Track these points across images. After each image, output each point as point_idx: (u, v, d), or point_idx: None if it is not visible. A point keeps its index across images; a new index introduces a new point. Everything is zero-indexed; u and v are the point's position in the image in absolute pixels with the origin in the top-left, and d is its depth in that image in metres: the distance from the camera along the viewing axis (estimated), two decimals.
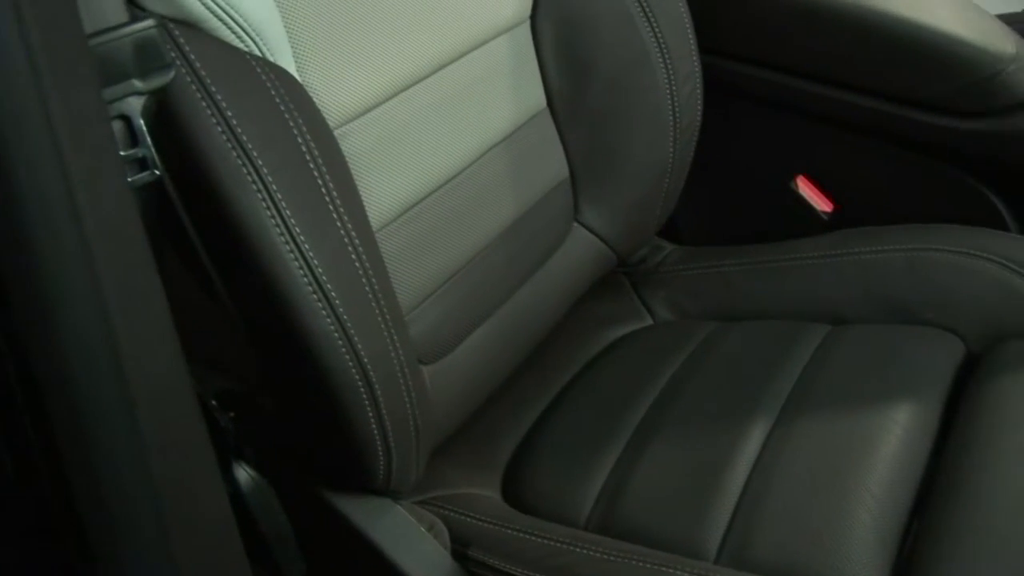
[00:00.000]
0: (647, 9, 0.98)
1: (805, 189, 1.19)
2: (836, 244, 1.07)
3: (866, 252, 1.04)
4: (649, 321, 1.12)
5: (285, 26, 0.71)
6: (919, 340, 0.96)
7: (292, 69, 0.71)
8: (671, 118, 1.01)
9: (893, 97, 1.10)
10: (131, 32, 0.59)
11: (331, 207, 0.66)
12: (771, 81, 1.15)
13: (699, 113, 1.06)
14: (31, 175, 0.50)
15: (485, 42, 0.89)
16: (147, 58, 0.60)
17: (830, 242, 1.08)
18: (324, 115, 0.71)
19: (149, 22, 0.60)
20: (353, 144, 0.76)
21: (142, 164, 0.60)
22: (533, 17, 0.97)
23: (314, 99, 0.71)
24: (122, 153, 0.59)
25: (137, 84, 0.59)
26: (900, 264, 1.02)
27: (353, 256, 0.67)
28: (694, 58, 1.03)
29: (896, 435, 0.84)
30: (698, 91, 1.05)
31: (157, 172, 0.59)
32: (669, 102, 1.01)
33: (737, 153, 1.22)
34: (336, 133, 0.73)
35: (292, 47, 0.72)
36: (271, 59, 0.69)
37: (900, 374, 0.91)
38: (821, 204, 1.19)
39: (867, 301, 1.03)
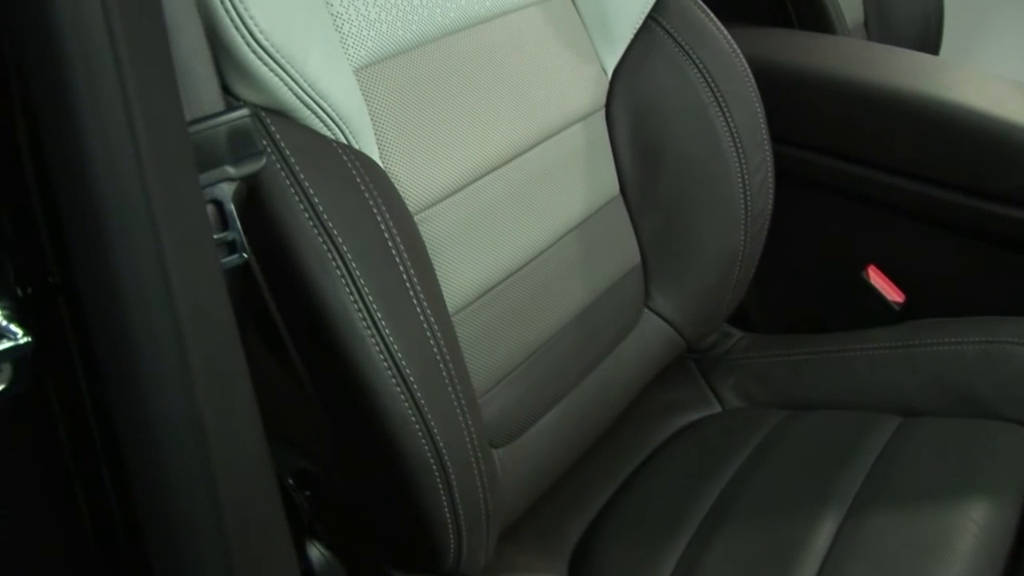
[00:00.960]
0: (720, 99, 0.99)
1: (876, 279, 1.18)
2: (908, 335, 1.06)
3: (939, 344, 1.03)
4: (718, 408, 1.11)
5: (371, 115, 0.73)
6: (995, 434, 0.94)
7: (375, 156, 0.73)
8: (742, 207, 1.02)
9: (963, 188, 1.09)
10: (226, 121, 0.61)
11: (411, 292, 0.67)
12: (842, 171, 1.15)
13: (770, 202, 1.06)
14: (130, 258, 0.51)
15: (561, 130, 0.91)
16: (240, 145, 0.62)
17: (902, 333, 1.07)
18: (405, 200, 0.73)
19: (243, 111, 0.62)
20: (432, 229, 0.77)
21: (231, 247, 0.62)
22: (608, 105, 0.98)
23: (396, 185, 0.73)
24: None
25: (230, 170, 0.61)
26: (974, 356, 1.00)
27: (431, 341, 0.68)
28: (766, 148, 1.04)
29: (973, 533, 0.82)
30: (769, 180, 1.05)
31: (245, 255, 0.61)
32: (741, 191, 1.01)
33: (807, 242, 1.22)
34: (416, 218, 0.75)
35: (376, 135, 0.74)
36: (356, 146, 0.71)
37: (975, 469, 0.89)
38: (892, 294, 1.18)
39: (940, 394, 1.01)
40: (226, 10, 0.62)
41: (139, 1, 0.50)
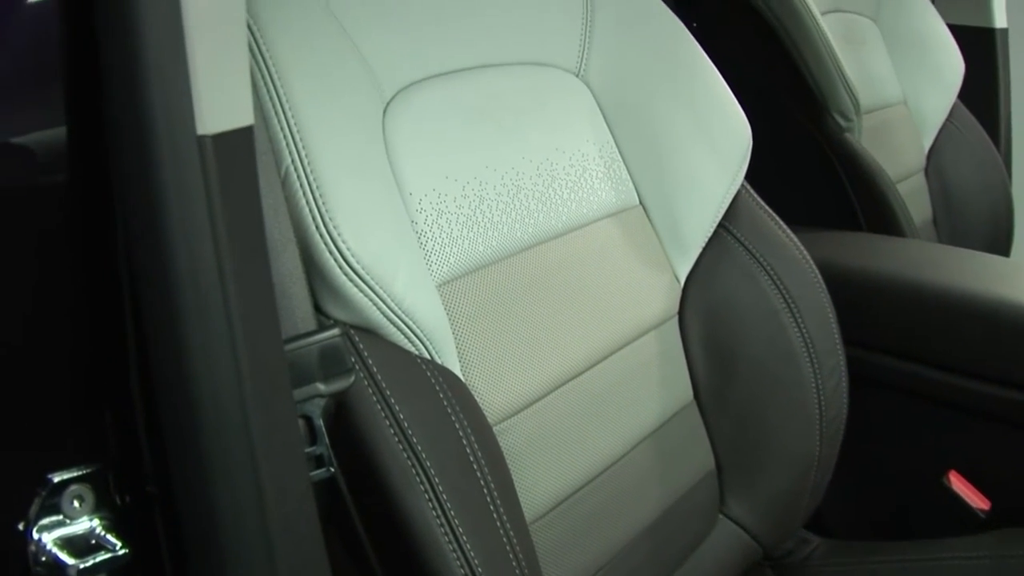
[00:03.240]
0: (791, 304, 1.02)
1: (958, 485, 1.17)
2: (995, 545, 1.04)
3: None
4: None
5: (452, 329, 0.77)
6: None
7: (457, 369, 0.76)
8: (817, 411, 1.03)
9: None
10: (319, 340, 0.66)
11: (491, 507, 0.69)
12: (916, 374, 1.16)
13: (845, 406, 1.07)
14: (226, 473, 0.55)
15: (635, 339, 0.94)
16: (331, 363, 0.66)
17: (988, 542, 1.05)
18: (485, 413, 0.76)
19: (335, 331, 0.67)
20: (510, 440, 0.80)
21: (318, 461, 0.65)
22: (681, 312, 1.02)
23: (476, 397, 0.76)
24: None
25: (320, 387, 0.65)
26: None
27: (510, 554, 0.69)
28: (839, 351, 1.06)
29: None
30: (844, 384, 1.06)
31: (332, 470, 0.64)
32: (815, 395, 1.02)
33: (885, 446, 1.22)
34: (495, 429, 0.78)
35: (458, 348, 0.78)
36: (439, 360, 0.74)
37: None
38: (976, 501, 1.16)
39: None
40: (321, 235, 0.67)
41: (246, 231, 0.55)
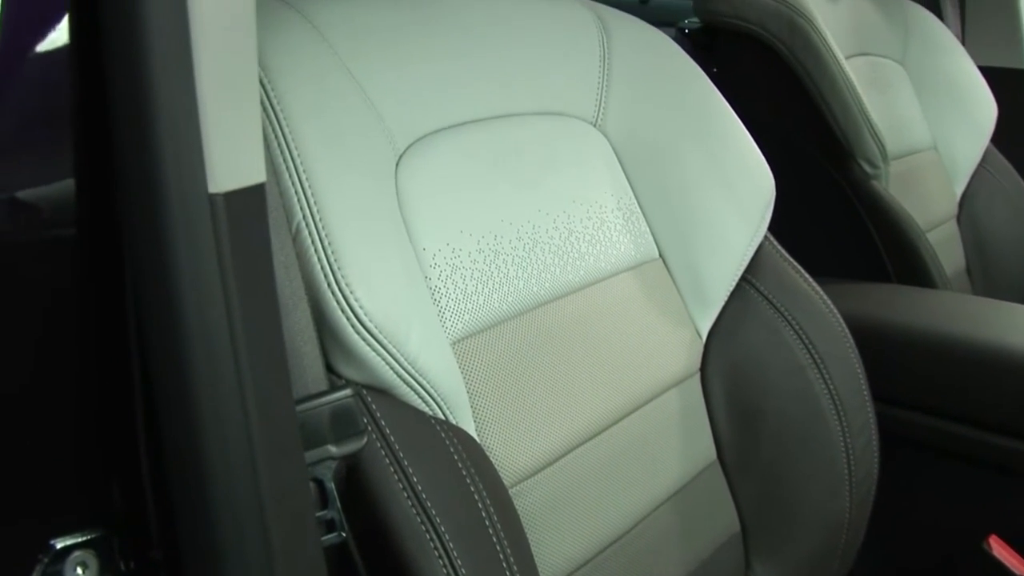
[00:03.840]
0: (818, 359, 1.03)
1: (999, 550, 1.16)
2: None
3: None
4: None
5: (467, 387, 0.79)
6: None
7: (472, 430, 0.78)
8: (846, 470, 1.03)
9: None
10: (330, 401, 0.67)
11: (507, 572, 0.70)
12: (951, 432, 1.16)
13: (876, 465, 1.07)
14: (235, 538, 0.56)
15: (656, 397, 0.95)
16: (343, 425, 0.67)
17: None
18: (500, 474, 0.77)
19: (347, 391, 0.68)
20: (526, 502, 0.81)
21: (329, 525, 0.66)
22: (703, 368, 1.03)
23: (492, 459, 0.77)
24: None
25: (332, 450, 0.66)
26: None
27: None
28: (868, 408, 1.06)
29: None
30: (874, 442, 1.07)
31: (344, 535, 0.65)
32: (844, 454, 1.03)
33: (920, 508, 1.22)
34: (511, 491, 0.79)
35: (472, 407, 0.79)
36: (454, 421, 0.76)
37: None
38: (1018, 566, 1.16)
39: None
40: (332, 293, 0.69)
41: (257, 290, 0.57)
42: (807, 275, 1.08)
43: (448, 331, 0.80)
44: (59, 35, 0.55)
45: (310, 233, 0.69)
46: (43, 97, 0.57)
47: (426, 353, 0.73)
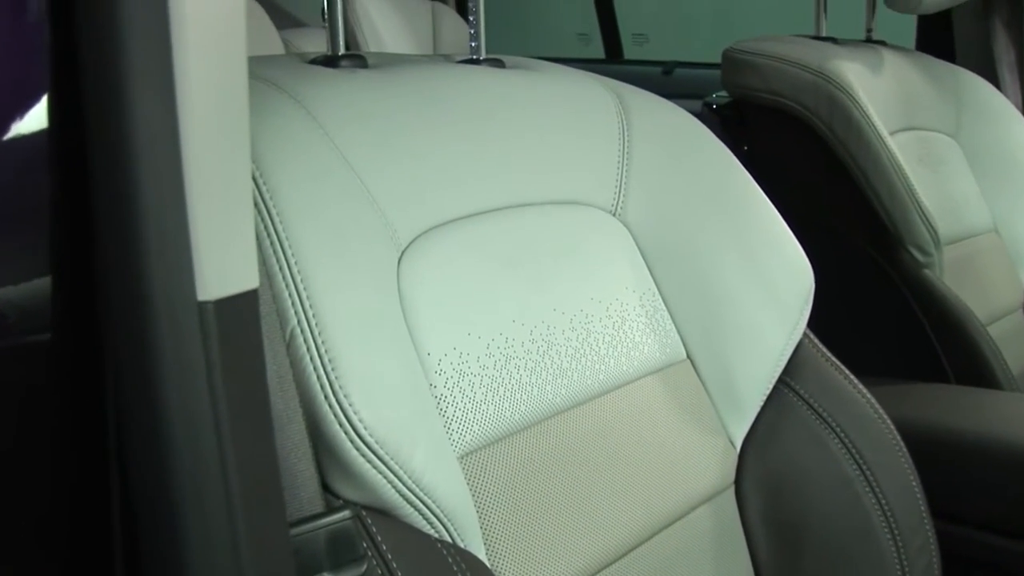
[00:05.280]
0: (867, 471, 1.04)
1: None
2: None
3: None
4: None
5: (476, 506, 0.81)
6: None
7: (481, 554, 0.79)
8: None
9: None
10: (327, 524, 0.69)
11: None
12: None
13: None
14: None
15: (686, 514, 0.97)
16: (340, 550, 0.69)
17: None
18: None
19: (344, 513, 0.70)
20: None
21: None
22: (738, 481, 1.04)
23: None
24: None
25: None
26: None
27: None
28: (927, 527, 1.07)
29: None
30: (935, 565, 1.07)
31: None
32: None
33: None
34: None
35: (483, 529, 0.81)
36: (461, 544, 0.77)
37: None
38: None
39: None
40: (330, 405, 0.71)
41: (249, 404, 0.59)
42: (852, 376, 1.09)
43: (455, 444, 0.82)
44: (38, 122, 0.58)
45: (305, 340, 0.72)
46: (19, 190, 0.59)
47: (432, 470, 0.75)
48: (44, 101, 0.57)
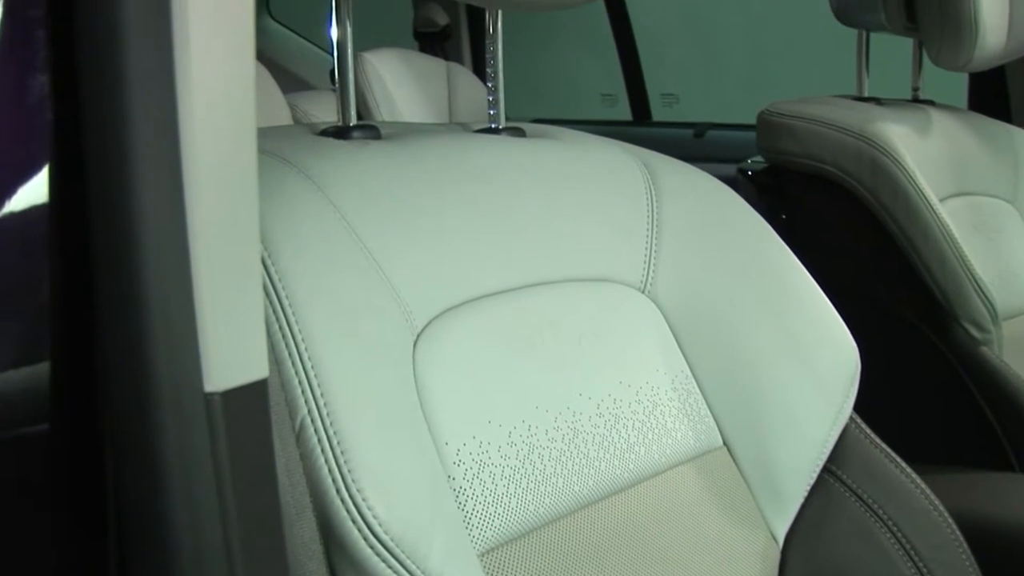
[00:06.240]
0: (923, 569, 1.04)
1: None
2: None
3: None
4: None
5: None
6: None
7: None
8: None
9: None
10: None
11: None
12: None
13: None
14: None
15: None
16: None
17: None
18: None
19: None
20: None
21: None
22: None
23: None
24: None
25: None
26: None
27: None
28: None
29: None
30: None
31: None
32: None
33: None
34: None
35: None
36: None
37: None
38: None
39: None
40: (342, 500, 0.73)
41: (257, 501, 0.61)
42: (903, 463, 1.09)
43: (476, 540, 0.83)
44: (39, 200, 0.59)
45: (316, 431, 0.73)
46: (17, 272, 0.60)
47: (450, 569, 0.76)
48: (45, 180, 0.59)
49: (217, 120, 0.58)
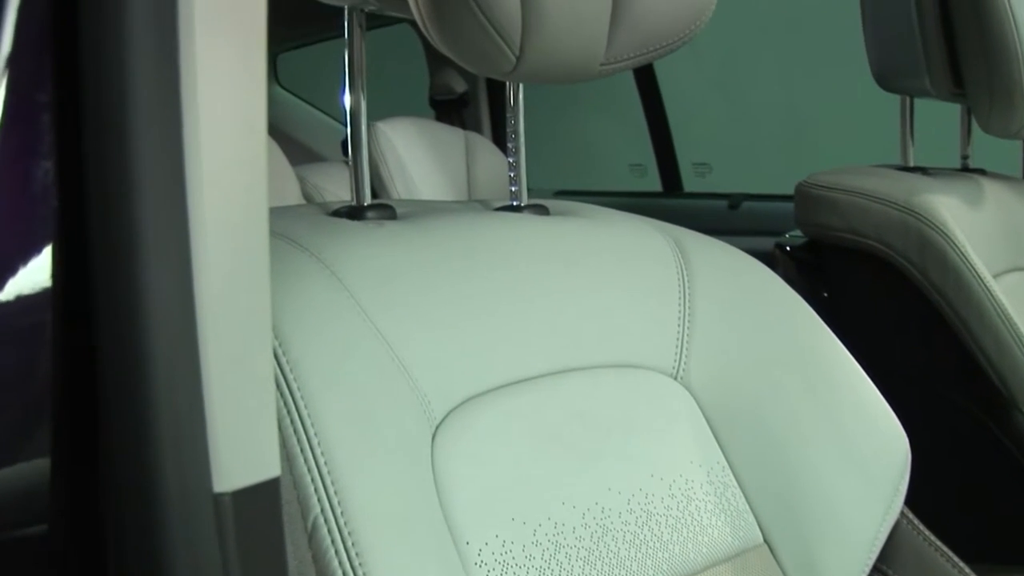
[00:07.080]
0: None
1: None
2: None
3: None
4: None
5: None
6: None
7: None
8: None
9: None
10: None
11: None
12: None
13: None
14: None
15: None
16: None
17: None
18: None
19: None
20: None
21: None
22: None
23: None
24: None
25: None
26: None
27: None
28: None
29: None
30: None
31: None
32: None
33: None
34: None
35: None
36: None
37: None
38: None
39: None
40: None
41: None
42: (961, 563, 1.09)
43: None
44: (42, 286, 0.60)
45: (330, 531, 0.74)
46: (15, 363, 0.61)
47: None
48: (48, 266, 0.60)
49: (229, 206, 0.59)
